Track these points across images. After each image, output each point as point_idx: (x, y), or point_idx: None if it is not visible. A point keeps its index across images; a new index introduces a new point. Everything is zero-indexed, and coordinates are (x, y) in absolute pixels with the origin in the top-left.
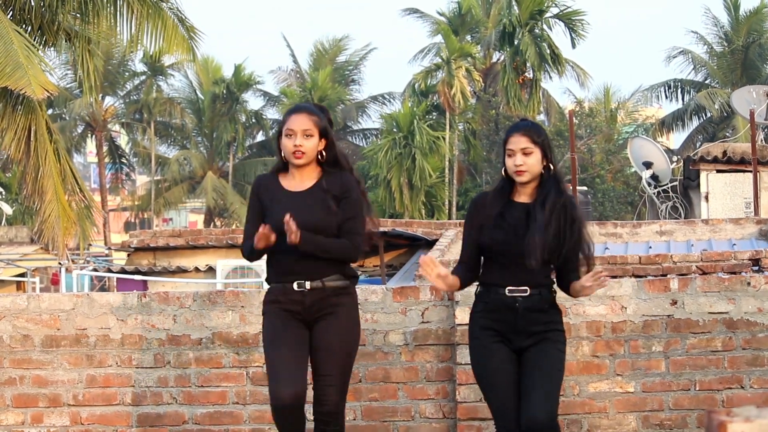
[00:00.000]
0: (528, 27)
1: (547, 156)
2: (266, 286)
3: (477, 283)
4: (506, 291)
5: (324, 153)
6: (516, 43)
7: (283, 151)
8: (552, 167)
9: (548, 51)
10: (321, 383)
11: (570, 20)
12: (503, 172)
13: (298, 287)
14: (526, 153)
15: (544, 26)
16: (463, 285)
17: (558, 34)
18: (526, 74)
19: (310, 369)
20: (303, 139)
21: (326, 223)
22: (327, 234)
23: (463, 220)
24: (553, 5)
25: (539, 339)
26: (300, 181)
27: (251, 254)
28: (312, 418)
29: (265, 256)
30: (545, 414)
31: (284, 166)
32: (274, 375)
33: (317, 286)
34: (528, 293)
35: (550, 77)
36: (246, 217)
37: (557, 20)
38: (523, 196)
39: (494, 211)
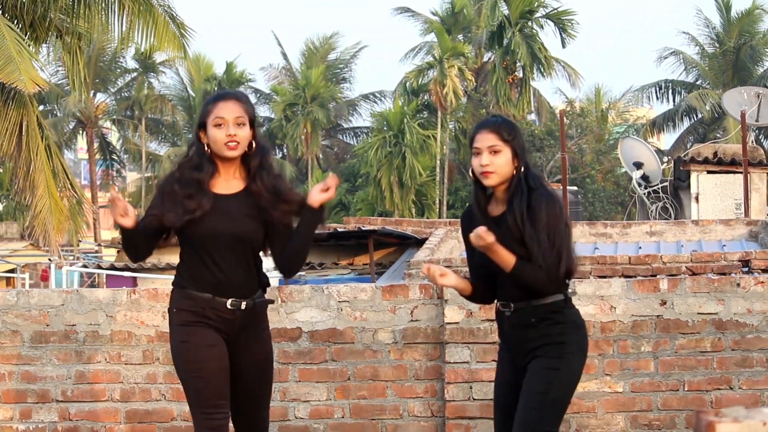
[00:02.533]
0: (518, 27)
1: (519, 156)
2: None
3: None
4: (499, 306)
5: (254, 144)
6: (506, 42)
7: (212, 144)
8: (524, 169)
9: (539, 50)
10: (254, 407)
11: (560, 20)
12: (471, 174)
13: (231, 306)
14: (494, 151)
15: (534, 26)
16: (477, 294)
17: (548, 34)
18: (516, 74)
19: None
20: (236, 128)
21: (257, 235)
22: (253, 245)
23: (453, 219)
24: (543, 5)
25: (532, 357)
26: (225, 180)
27: (126, 243)
28: None
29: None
30: None
31: (207, 159)
32: (213, 409)
33: (249, 306)
34: (512, 308)
35: (543, 76)
36: (151, 206)
37: (547, 20)
38: (498, 205)
39: (474, 227)
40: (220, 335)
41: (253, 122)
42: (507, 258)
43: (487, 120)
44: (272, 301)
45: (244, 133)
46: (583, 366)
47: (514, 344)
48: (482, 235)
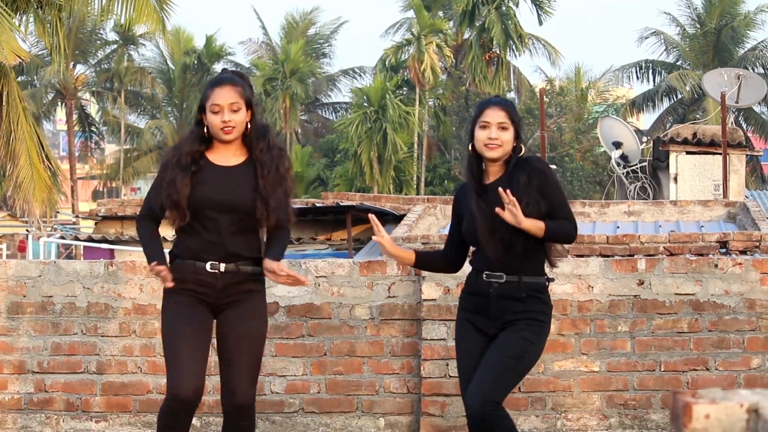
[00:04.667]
0: (495, 4)
1: (519, 137)
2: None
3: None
4: (484, 276)
5: (249, 125)
6: (482, 20)
7: (210, 128)
8: (521, 149)
9: (514, 29)
10: (233, 374)
11: None
12: (470, 148)
13: (211, 268)
14: (502, 127)
15: (510, 3)
16: (422, 262)
17: (524, 12)
18: (493, 51)
19: (214, 360)
20: (231, 114)
21: (251, 204)
22: (249, 214)
23: (431, 196)
24: None
25: (510, 324)
26: (227, 155)
27: (142, 243)
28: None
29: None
30: (479, 400)
31: (205, 139)
32: (176, 366)
33: (231, 269)
34: (504, 279)
35: (516, 56)
36: (153, 188)
37: None
38: (490, 177)
39: (470, 198)
40: (202, 301)
41: (250, 104)
42: (537, 225)
43: (495, 98)
44: (259, 273)
45: (239, 118)
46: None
47: (496, 314)
48: (514, 213)
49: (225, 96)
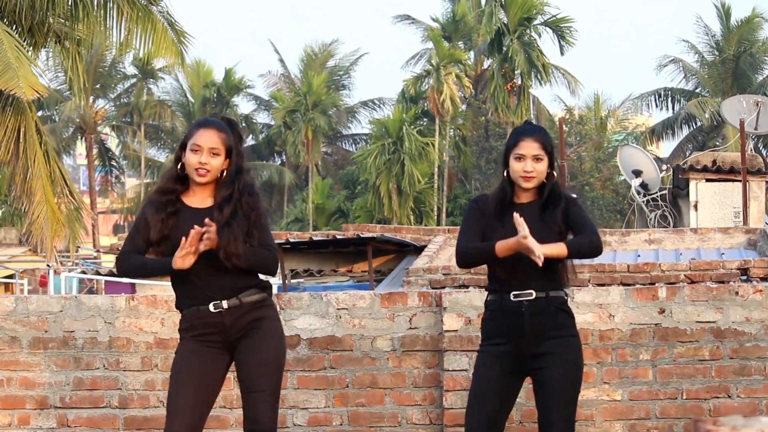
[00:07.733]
0: (517, 34)
1: (552, 163)
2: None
3: (486, 290)
4: (511, 296)
5: (225, 172)
6: (504, 49)
7: (186, 166)
8: (554, 174)
9: (537, 58)
10: (254, 400)
11: (558, 27)
12: (505, 175)
13: (214, 308)
14: (537, 159)
15: (533, 33)
16: None
17: (546, 42)
18: (515, 81)
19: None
20: (209, 157)
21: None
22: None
23: (452, 227)
24: (541, 13)
25: (552, 348)
26: (203, 197)
27: (138, 270)
28: None
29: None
30: None
31: (180, 179)
32: (170, 412)
33: (234, 304)
34: (533, 297)
35: (540, 84)
36: (135, 227)
37: (545, 27)
38: (522, 197)
39: (496, 212)
40: (213, 344)
41: (230, 152)
42: (558, 248)
43: (529, 128)
44: (264, 299)
45: (216, 163)
46: None
47: (533, 332)
48: (534, 249)
49: (207, 138)
